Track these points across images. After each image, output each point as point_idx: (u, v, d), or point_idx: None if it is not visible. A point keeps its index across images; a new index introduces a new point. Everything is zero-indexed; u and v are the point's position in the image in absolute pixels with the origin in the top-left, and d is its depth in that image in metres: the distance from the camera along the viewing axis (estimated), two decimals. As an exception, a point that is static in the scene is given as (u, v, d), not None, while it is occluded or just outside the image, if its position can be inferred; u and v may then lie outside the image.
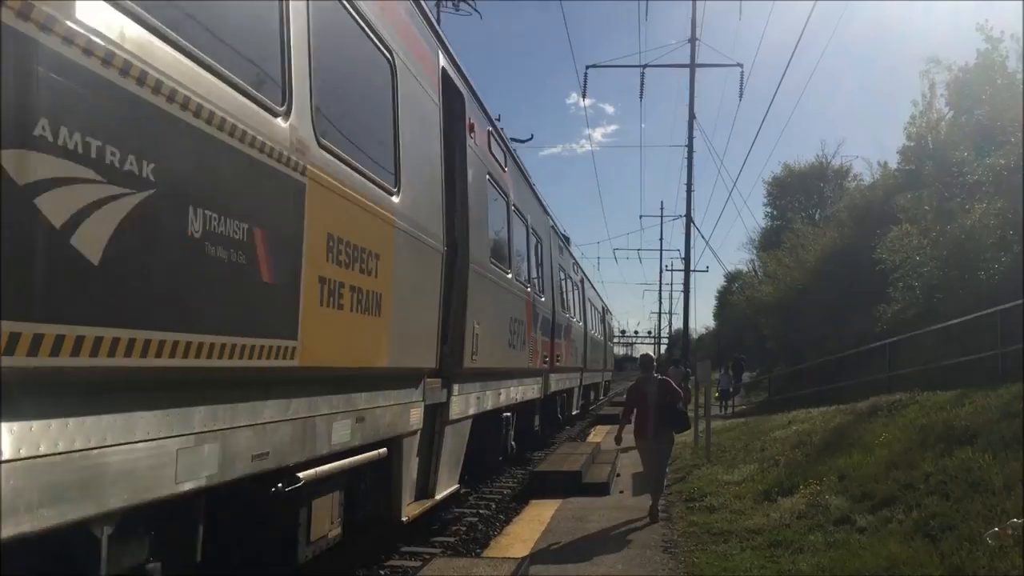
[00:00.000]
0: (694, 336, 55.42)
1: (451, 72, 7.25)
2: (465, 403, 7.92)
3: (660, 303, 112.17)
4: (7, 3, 2.18)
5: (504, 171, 9.92)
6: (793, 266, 30.91)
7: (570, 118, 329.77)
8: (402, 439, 5.97)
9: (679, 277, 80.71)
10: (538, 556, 7.16)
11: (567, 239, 19.97)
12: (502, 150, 9.98)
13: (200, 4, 3.18)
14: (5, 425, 2.26)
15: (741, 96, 29.65)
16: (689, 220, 27.45)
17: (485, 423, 9.45)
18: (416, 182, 5.87)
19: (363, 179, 4.75)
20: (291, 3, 3.84)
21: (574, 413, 21.85)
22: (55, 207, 2.33)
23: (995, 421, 8.28)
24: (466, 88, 7.84)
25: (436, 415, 7.08)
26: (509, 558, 6.85)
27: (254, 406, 3.65)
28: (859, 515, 7.39)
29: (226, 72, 3.24)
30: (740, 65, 37.86)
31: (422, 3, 6.45)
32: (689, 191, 27.73)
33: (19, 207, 2.20)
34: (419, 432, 6.40)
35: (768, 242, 45.02)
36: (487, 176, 8.71)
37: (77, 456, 2.55)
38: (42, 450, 2.40)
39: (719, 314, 68.44)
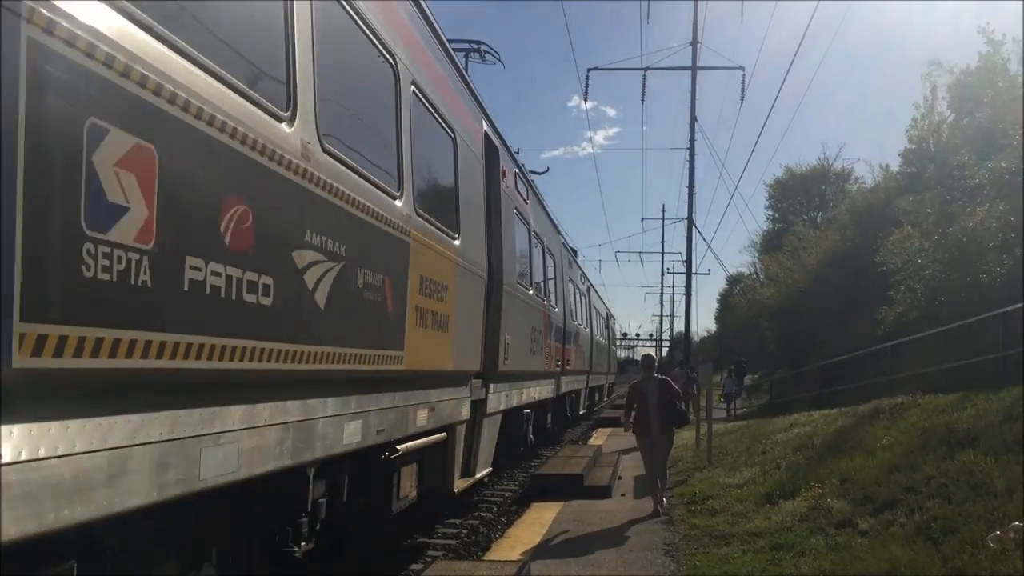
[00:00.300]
0: (695, 339, 55.38)
1: (490, 133, 9.10)
2: (498, 400, 9.46)
3: (662, 306, 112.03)
4: (301, 173, 3.85)
5: (526, 203, 11.64)
6: (794, 269, 30.84)
7: (572, 120, 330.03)
8: (456, 426, 7.50)
9: (681, 280, 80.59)
10: (539, 559, 7.16)
11: (575, 251, 21.88)
12: (525, 186, 11.77)
13: (362, 142, 4.90)
14: (287, 403, 3.95)
15: (743, 99, 29.74)
16: (691, 223, 27.50)
17: (510, 418, 10.99)
18: (469, 226, 7.51)
19: (439, 232, 6.42)
20: (405, 130, 5.63)
21: (581, 412, 23.63)
22: (309, 278, 3.98)
23: (997, 424, 8.28)
24: (500, 143, 9.63)
25: (477, 409, 8.47)
26: (510, 561, 6.86)
27: (378, 396, 5.23)
28: (861, 518, 7.38)
29: (375, 179, 4.93)
30: (742, 68, 37.99)
31: (471, 85, 8.26)
32: (691, 194, 27.79)
33: (296, 281, 3.86)
34: (466, 422, 7.94)
35: (770, 245, 44.97)
36: (514, 210, 10.40)
37: (306, 422, 4.17)
38: (289, 418, 3.98)
39: (720, 317, 68.41)
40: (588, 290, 23.58)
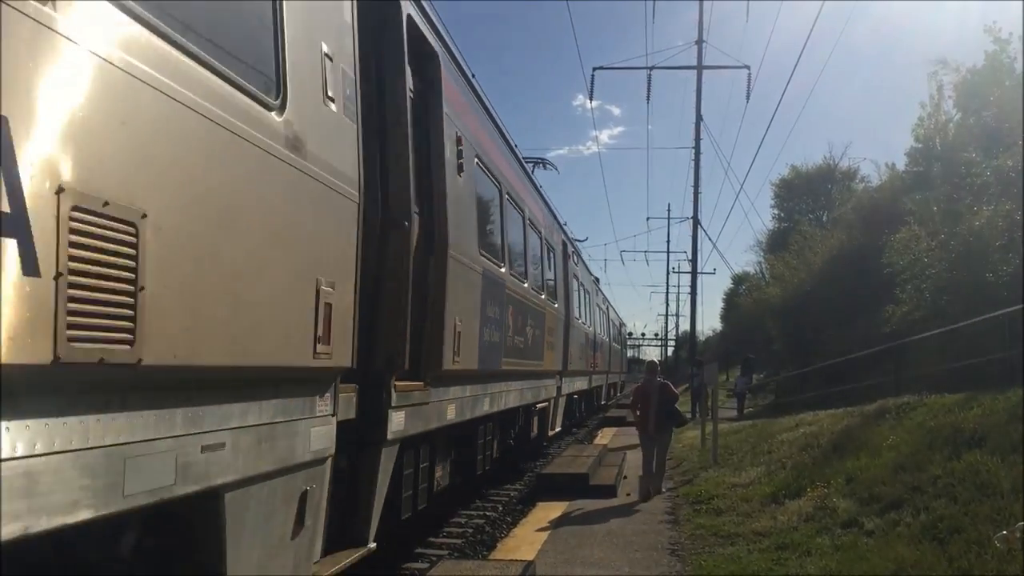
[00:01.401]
0: (701, 338, 55.27)
1: (564, 237, 15.57)
2: (567, 386, 15.86)
3: (667, 305, 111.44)
4: (523, 297, 10.21)
5: (577, 266, 17.92)
6: (800, 268, 30.71)
7: (577, 119, 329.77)
8: (550, 400, 13.72)
9: (686, 279, 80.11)
10: (544, 558, 7.18)
11: (597, 280, 27.16)
12: (577, 256, 18.50)
13: (536, 274, 11.86)
14: (519, 381, 10.24)
15: (748, 98, 29.55)
16: (696, 223, 27.50)
17: (568, 400, 17.29)
18: (561, 294, 14.24)
19: (553, 303, 12.77)
20: (549, 264, 12.98)
21: (602, 403, 30.84)
22: (529, 333, 10.36)
23: (1003, 424, 8.25)
24: (569, 240, 16.09)
25: (558, 392, 14.50)
26: (516, 560, 6.86)
27: (533, 381, 11.31)
28: (867, 518, 7.38)
29: (537, 286, 11.39)
30: (747, 67, 37.53)
31: (559, 219, 15.18)
32: (696, 193, 27.77)
33: (527, 336, 10.35)
34: (553, 398, 14.04)
35: (775, 244, 44.79)
36: (574, 275, 16.82)
37: (521, 390, 10.45)
38: (517, 387, 10.13)
39: (726, 316, 68.24)
40: (608, 308, 29.78)
